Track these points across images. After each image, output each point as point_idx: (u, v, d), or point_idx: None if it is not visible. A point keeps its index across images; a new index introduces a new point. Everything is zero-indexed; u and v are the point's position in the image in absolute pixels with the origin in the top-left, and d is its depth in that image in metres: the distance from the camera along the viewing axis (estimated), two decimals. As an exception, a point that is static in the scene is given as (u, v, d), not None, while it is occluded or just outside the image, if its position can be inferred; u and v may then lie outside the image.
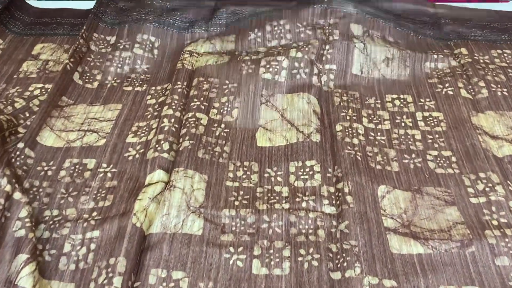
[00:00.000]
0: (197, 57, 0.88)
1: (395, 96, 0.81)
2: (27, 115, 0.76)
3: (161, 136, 0.71)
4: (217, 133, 0.74)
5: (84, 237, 0.59)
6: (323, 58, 0.86)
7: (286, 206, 0.63)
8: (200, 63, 0.87)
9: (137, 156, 0.70)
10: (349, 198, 0.62)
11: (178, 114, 0.75)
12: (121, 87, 0.85)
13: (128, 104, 0.81)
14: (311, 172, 0.68)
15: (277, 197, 0.64)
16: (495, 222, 0.60)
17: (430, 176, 0.67)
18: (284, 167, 0.69)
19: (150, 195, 0.63)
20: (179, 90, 0.80)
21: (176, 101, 0.77)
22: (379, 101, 0.80)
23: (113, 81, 0.86)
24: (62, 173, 0.68)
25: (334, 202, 0.63)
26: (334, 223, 0.61)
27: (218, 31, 0.96)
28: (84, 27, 0.93)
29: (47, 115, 0.76)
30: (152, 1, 1.02)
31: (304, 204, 0.63)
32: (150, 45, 0.92)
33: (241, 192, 0.65)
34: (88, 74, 0.86)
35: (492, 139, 0.72)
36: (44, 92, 0.81)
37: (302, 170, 0.68)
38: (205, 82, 0.82)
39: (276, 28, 0.92)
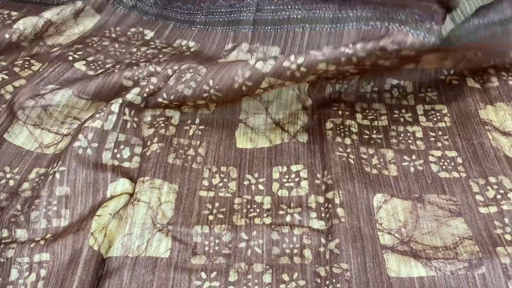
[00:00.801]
0: None
1: (395, 82, 0.72)
2: None
3: (122, 137, 0.61)
4: (191, 132, 0.65)
5: (32, 261, 0.51)
6: None
7: (268, 220, 0.55)
8: None
9: (89, 152, 0.58)
10: (340, 211, 0.54)
11: (139, 99, 0.64)
12: (121, 78, 0.68)
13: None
14: (297, 179, 0.59)
15: (258, 210, 0.56)
16: (508, 237, 0.52)
17: (433, 181, 0.58)
18: (267, 172, 0.60)
19: (111, 210, 0.54)
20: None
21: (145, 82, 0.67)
22: (376, 89, 0.71)
23: (116, 70, 0.71)
24: (25, 185, 0.58)
25: (323, 215, 0.55)
26: (323, 240, 0.53)
27: (262, 32, 0.75)
28: (118, 28, 0.80)
29: (19, 106, 0.65)
30: None
31: (288, 218, 0.55)
32: (185, 50, 0.77)
33: (217, 204, 0.57)
34: (100, 63, 0.73)
35: (503, 136, 0.63)
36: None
37: (287, 176, 0.60)
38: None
39: None
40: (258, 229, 0.53)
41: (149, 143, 0.62)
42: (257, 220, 0.54)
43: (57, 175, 0.56)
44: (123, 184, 0.57)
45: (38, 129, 0.64)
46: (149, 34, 0.79)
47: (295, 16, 0.68)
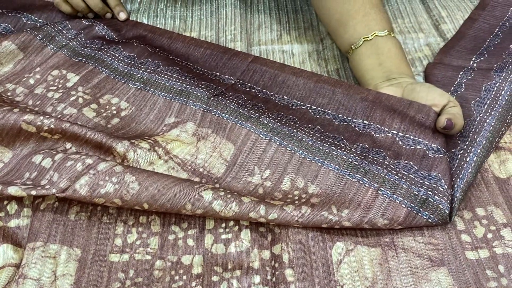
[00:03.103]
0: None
1: None
2: None
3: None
4: None
5: None
6: None
7: (197, 291, 0.42)
8: None
9: None
10: (289, 273, 0.42)
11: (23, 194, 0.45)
12: (20, 119, 0.51)
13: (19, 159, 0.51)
14: (236, 228, 0.46)
15: (185, 276, 0.43)
16: (505, 293, 0.40)
17: None
18: (198, 221, 0.47)
19: (-12, 294, 0.41)
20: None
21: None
22: None
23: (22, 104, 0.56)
24: None
25: (269, 278, 0.42)
26: (268, 317, 0.40)
27: (216, 118, 0.54)
28: (38, 69, 0.61)
29: None
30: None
31: (224, 286, 0.42)
32: (114, 112, 0.58)
33: (131, 272, 0.44)
34: (9, 94, 0.59)
35: (490, 151, 0.51)
36: None
37: (223, 225, 0.47)
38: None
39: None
40: (183, 307, 0.41)
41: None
42: (182, 293, 0.42)
43: None
44: (5, 252, 0.44)
45: None
46: (73, 78, 0.61)
47: (265, 123, 0.51)
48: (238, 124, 0.52)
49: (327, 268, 0.43)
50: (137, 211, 0.48)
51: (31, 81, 0.60)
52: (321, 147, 0.48)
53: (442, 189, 0.44)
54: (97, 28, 0.68)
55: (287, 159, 0.48)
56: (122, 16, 0.70)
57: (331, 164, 0.47)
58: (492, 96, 0.51)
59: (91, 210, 0.48)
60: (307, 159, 0.48)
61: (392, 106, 0.51)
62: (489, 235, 0.44)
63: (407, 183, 0.44)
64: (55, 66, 0.63)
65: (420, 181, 0.44)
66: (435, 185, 0.44)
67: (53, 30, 0.66)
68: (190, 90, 0.56)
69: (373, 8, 0.57)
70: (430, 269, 0.42)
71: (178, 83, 0.57)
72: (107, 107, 0.57)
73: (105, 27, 0.69)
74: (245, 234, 0.46)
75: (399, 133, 0.49)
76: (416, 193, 0.44)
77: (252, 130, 0.51)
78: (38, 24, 0.70)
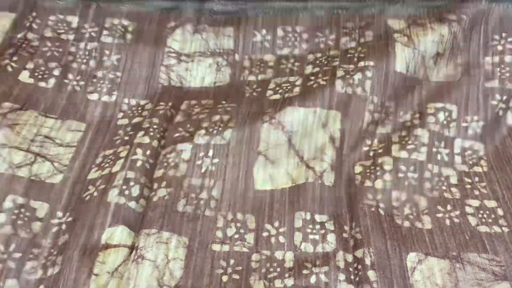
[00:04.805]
0: (186, 62, 0.71)
1: (439, 105, 0.64)
2: None
3: (131, 174, 0.55)
4: (203, 169, 0.58)
5: None
6: (355, 59, 0.67)
7: (290, 282, 0.48)
8: (193, 81, 0.71)
9: (95, 194, 0.55)
10: (371, 274, 0.48)
11: (155, 143, 0.60)
12: (85, 94, 0.67)
13: (94, 124, 0.65)
14: (322, 231, 0.53)
15: (279, 269, 0.50)
16: (561, 308, 0.46)
17: (472, 237, 0.52)
18: (289, 219, 0.54)
19: (110, 268, 0.48)
20: (161, 111, 0.65)
21: (155, 126, 0.62)
22: (417, 116, 0.64)
23: (75, 82, 0.68)
24: (1, 217, 0.52)
25: (352, 277, 0.49)
26: (353, 310, 0.47)
27: (210, 19, 0.74)
28: (34, 14, 0.73)
29: None
30: None
31: (313, 279, 0.48)
32: (122, 30, 0.73)
33: (232, 261, 0.50)
34: (43, 69, 0.68)
35: (546, 182, 0.57)
36: None
37: (311, 226, 0.53)
38: (196, 106, 0.66)
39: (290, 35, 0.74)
40: (279, 295, 0.47)
41: (156, 186, 0.55)
42: (278, 283, 0.48)
43: (64, 226, 0.53)
44: (121, 233, 0.51)
45: (6, 148, 0.58)
46: (74, 20, 0.74)
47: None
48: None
49: (403, 273, 0.49)
50: (234, 208, 0.55)
51: (36, 26, 0.73)
52: None
53: None
54: None
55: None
56: None
57: None
58: None
59: (195, 204, 0.55)
60: None
61: None
62: (547, 257, 0.50)
63: None
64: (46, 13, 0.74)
65: None
66: None
67: None
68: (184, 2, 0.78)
69: None
70: (494, 282, 0.48)
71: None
72: (114, 28, 0.73)
73: None
74: (331, 237, 0.52)
75: None
76: None
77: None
78: None
